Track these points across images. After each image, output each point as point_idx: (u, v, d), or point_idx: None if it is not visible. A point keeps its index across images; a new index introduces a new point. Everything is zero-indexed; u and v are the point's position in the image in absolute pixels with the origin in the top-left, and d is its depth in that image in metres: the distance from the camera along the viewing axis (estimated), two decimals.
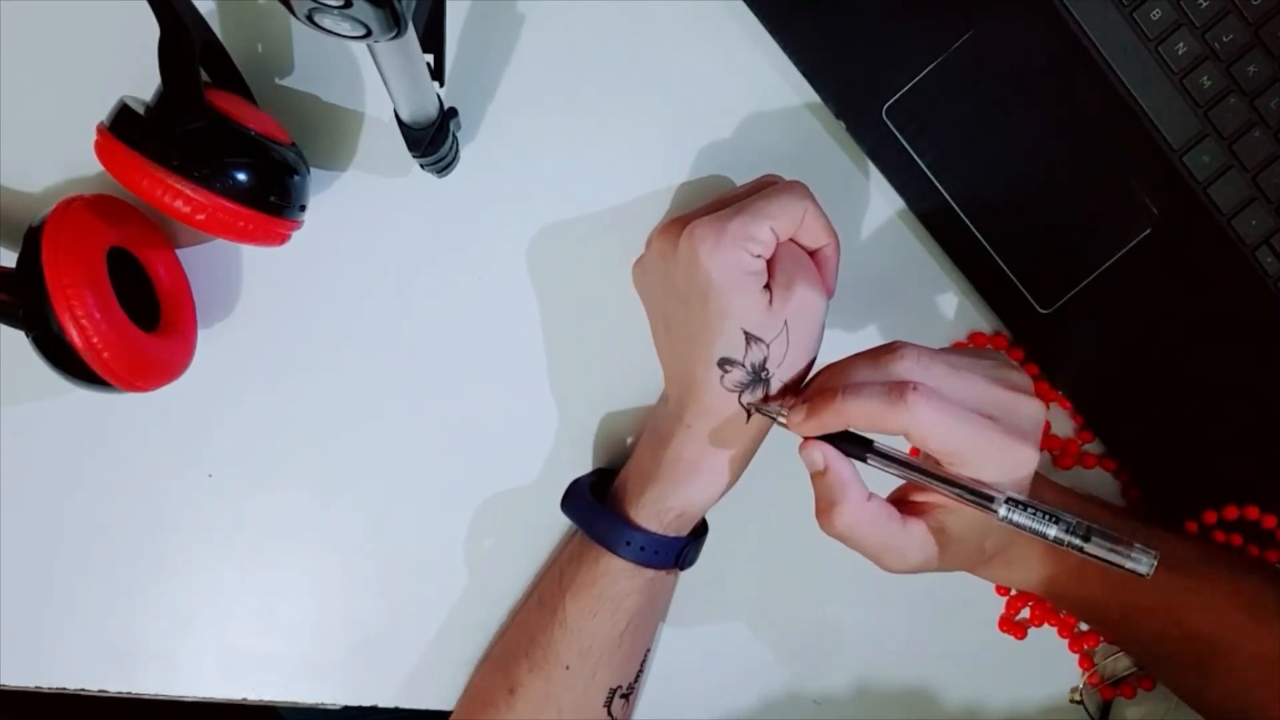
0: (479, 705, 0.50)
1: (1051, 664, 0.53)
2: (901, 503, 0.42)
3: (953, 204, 0.48)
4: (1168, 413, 0.49)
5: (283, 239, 0.46)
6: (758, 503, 0.49)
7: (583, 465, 0.51)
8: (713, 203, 0.45)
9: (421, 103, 0.40)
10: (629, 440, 0.51)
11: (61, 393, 0.46)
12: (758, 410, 0.43)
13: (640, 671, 0.50)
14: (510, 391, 0.51)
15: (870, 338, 0.51)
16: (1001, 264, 0.48)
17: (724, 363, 0.42)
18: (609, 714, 0.48)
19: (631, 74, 0.48)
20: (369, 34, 0.31)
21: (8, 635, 0.51)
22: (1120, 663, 0.51)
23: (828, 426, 0.40)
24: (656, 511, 0.45)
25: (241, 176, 0.42)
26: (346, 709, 0.53)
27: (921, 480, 0.40)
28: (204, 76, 0.44)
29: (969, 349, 0.50)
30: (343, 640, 0.52)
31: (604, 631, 0.46)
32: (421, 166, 0.45)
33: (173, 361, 0.46)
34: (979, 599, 0.52)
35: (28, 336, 0.43)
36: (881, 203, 0.50)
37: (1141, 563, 0.37)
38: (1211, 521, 0.49)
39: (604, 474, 0.50)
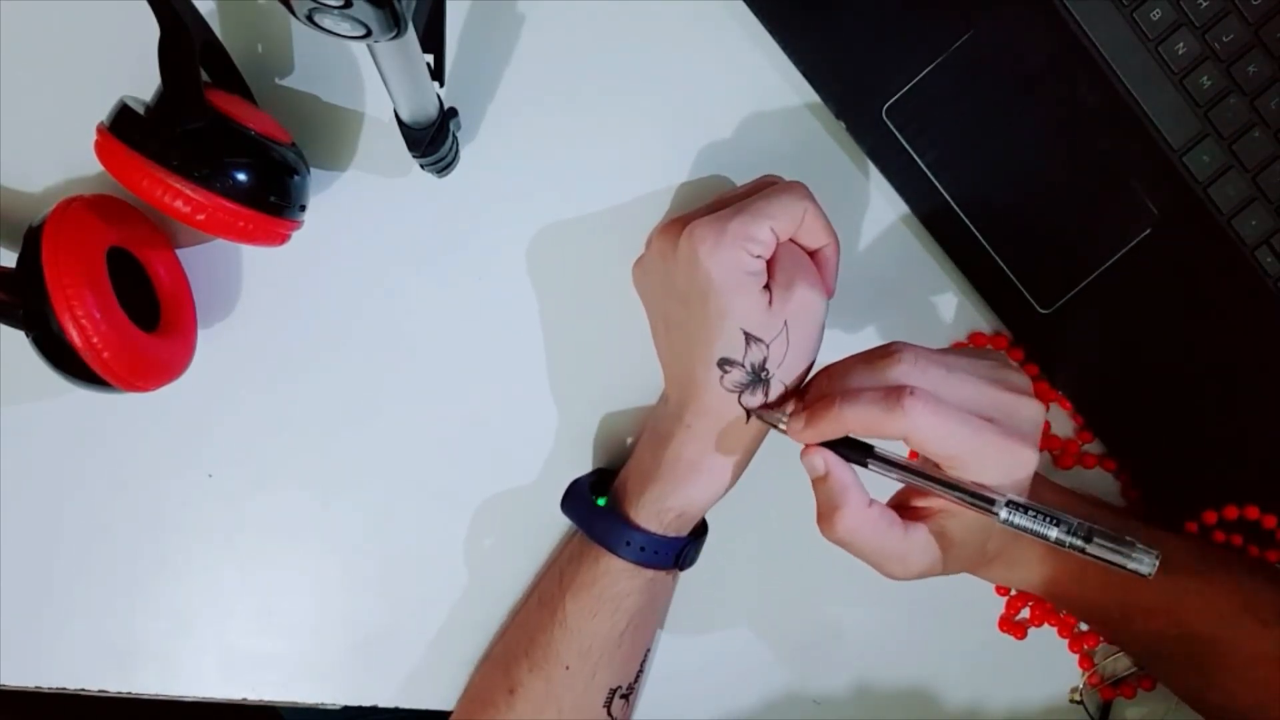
0: (479, 705, 0.50)
1: (1051, 664, 0.53)
2: (902, 508, 0.42)
3: (952, 204, 0.48)
4: (1168, 413, 0.49)
5: (283, 239, 0.46)
6: (758, 503, 0.49)
7: (583, 465, 0.51)
8: (713, 203, 0.45)
9: (421, 103, 0.40)
10: (629, 440, 0.51)
11: (61, 393, 0.46)
12: (759, 417, 0.43)
13: (640, 671, 0.50)
14: (510, 391, 0.51)
15: (870, 338, 0.51)
16: (1001, 264, 0.48)
17: (724, 363, 0.42)
18: (609, 714, 0.48)
19: (631, 74, 0.48)
20: (369, 34, 0.31)
21: (8, 635, 0.51)
22: (1120, 663, 0.51)
23: (826, 434, 0.40)
24: (656, 512, 0.45)
25: (241, 176, 0.42)
26: (346, 709, 0.53)
27: (922, 484, 0.40)
28: (204, 76, 0.44)
29: (968, 349, 0.50)
30: (343, 640, 0.52)
31: (604, 631, 0.46)
32: (421, 166, 0.45)
33: (173, 361, 0.46)
34: (979, 599, 0.52)
35: (28, 336, 0.43)
36: (881, 203, 0.50)
37: (1144, 563, 0.37)
38: (1211, 521, 0.49)
39: (604, 474, 0.49)
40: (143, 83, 0.43)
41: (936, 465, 0.40)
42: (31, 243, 0.42)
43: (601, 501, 0.47)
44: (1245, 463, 0.49)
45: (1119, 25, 0.46)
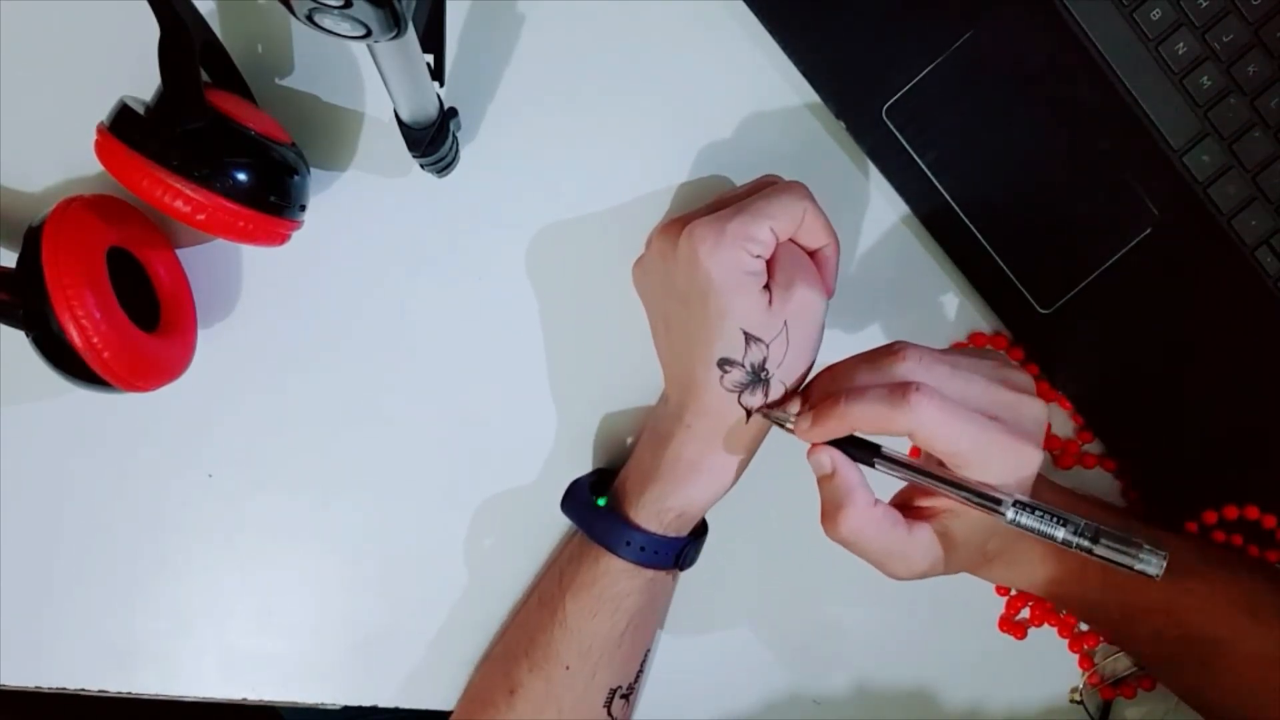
0: (479, 705, 0.50)
1: (1051, 664, 0.53)
2: (905, 508, 0.42)
3: (953, 204, 0.48)
4: (1168, 413, 0.49)
5: (283, 239, 0.46)
6: (758, 503, 0.49)
7: (583, 465, 0.51)
8: (713, 203, 0.45)
9: (421, 103, 0.40)
10: (629, 440, 0.51)
11: (61, 393, 0.46)
12: (765, 416, 0.43)
13: (640, 671, 0.50)
14: (510, 391, 0.51)
15: (870, 338, 0.51)
16: (1001, 264, 0.48)
17: (723, 363, 0.42)
18: (609, 714, 0.48)
19: (631, 74, 0.48)
20: (369, 34, 0.31)
21: (8, 635, 0.51)
22: (1120, 663, 0.51)
23: (833, 432, 0.40)
24: (656, 512, 0.45)
25: (241, 176, 0.42)
26: (346, 709, 0.53)
27: (929, 483, 0.40)
28: (204, 76, 0.44)
29: (969, 349, 0.50)
30: (343, 640, 0.52)
31: (604, 631, 0.46)
32: (421, 166, 0.45)
33: (173, 361, 0.46)
34: (979, 599, 0.52)
35: (28, 336, 0.43)
36: (881, 203, 0.50)
37: (1151, 564, 0.37)
38: (1211, 521, 0.49)
39: (604, 474, 0.49)
40: (143, 83, 0.43)
41: (940, 464, 0.40)
42: (31, 243, 0.42)
43: (601, 501, 0.47)
44: (1245, 463, 0.49)
45: (1119, 25, 0.46)
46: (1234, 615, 0.45)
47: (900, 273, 0.50)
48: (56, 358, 0.42)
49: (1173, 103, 0.46)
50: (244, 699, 0.53)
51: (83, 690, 0.52)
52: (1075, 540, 0.37)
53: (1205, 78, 0.46)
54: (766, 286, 0.42)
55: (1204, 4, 0.45)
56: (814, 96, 0.48)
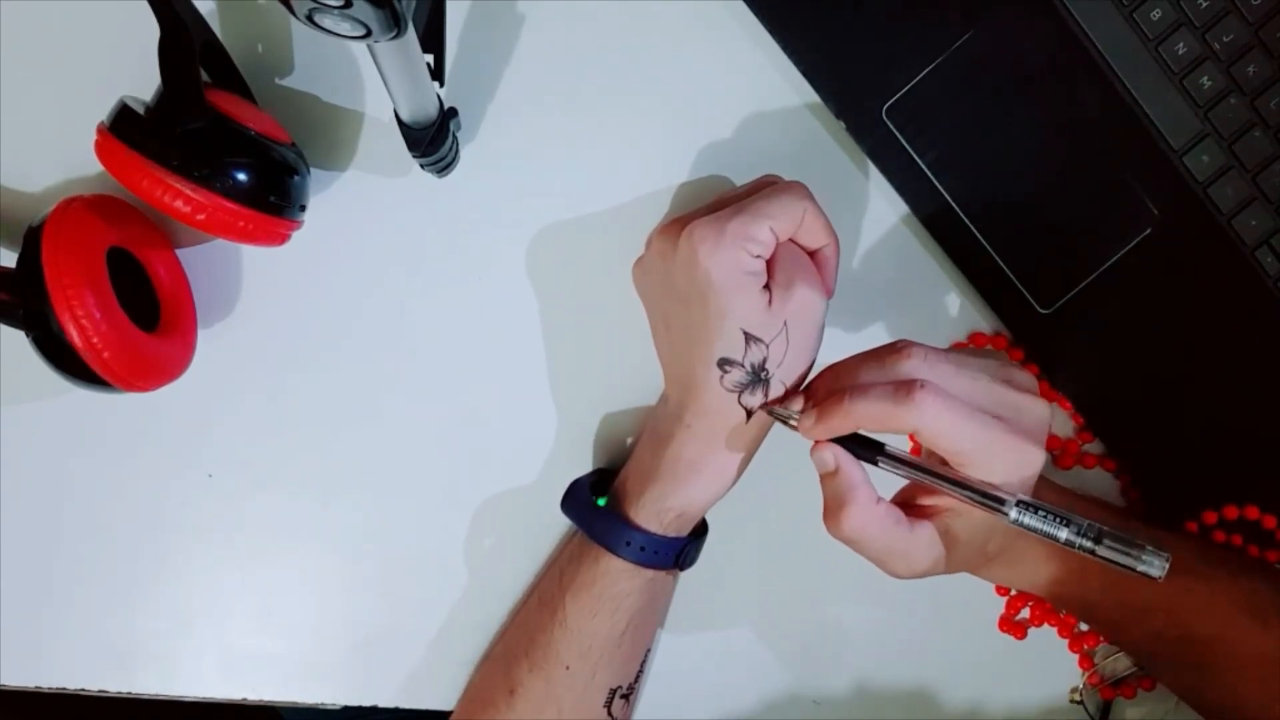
0: (479, 705, 0.50)
1: (1051, 664, 0.53)
2: (907, 506, 0.42)
3: (953, 204, 0.48)
4: (1168, 413, 0.49)
5: (283, 239, 0.46)
6: (758, 503, 0.49)
7: (583, 465, 0.51)
8: (713, 203, 0.45)
9: (421, 103, 0.40)
10: (629, 440, 0.51)
11: (61, 393, 0.46)
12: (769, 414, 0.43)
13: (640, 672, 0.50)
14: (510, 391, 0.51)
15: (870, 338, 0.51)
16: (1001, 264, 0.48)
17: (723, 363, 0.42)
18: (609, 714, 0.48)
19: (631, 74, 0.48)
20: (369, 34, 0.31)
21: (8, 635, 0.51)
22: (1120, 663, 0.51)
23: (837, 429, 0.40)
24: (656, 512, 0.45)
25: (241, 176, 0.42)
26: (346, 709, 0.53)
27: (932, 482, 0.40)
28: (204, 76, 0.44)
29: (970, 349, 0.50)
30: (343, 640, 0.52)
31: (604, 631, 0.46)
32: (421, 166, 0.45)
33: (173, 361, 0.46)
34: (979, 599, 0.52)
35: (28, 336, 0.43)
36: (881, 203, 0.50)
37: (1154, 565, 0.37)
38: (1211, 521, 0.49)
39: (604, 474, 0.49)
40: (143, 83, 0.43)
41: (943, 462, 0.40)
42: (31, 243, 0.42)
43: (601, 501, 0.47)
44: (1245, 463, 0.49)
45: (1119, 25, 0.46)
46: (1234, 615, 0.45)
47: (900, 273, 0.50)
48: (56, 358, 0.42)
49: (1173, 103, 0.46)
50: (244, 699, 0.53)
51: (83, 690, 0.52)
52: (1078, 541, 0.37)
53: (1205, 78, 0.46)
54: (766, 286, 0.42)
55: (1204, 4, 0.45)
56: (814, 96, 0.48)
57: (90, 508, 0.51)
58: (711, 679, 0.53)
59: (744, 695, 0.53)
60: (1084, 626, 0.52)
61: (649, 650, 0.50)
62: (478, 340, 0.50)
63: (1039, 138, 0.48)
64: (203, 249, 0.49)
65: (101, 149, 0.42)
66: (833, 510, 0.40)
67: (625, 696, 0.48)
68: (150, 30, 0.42)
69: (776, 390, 0.43)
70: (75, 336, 0.41)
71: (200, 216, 0.42)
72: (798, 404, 0.42)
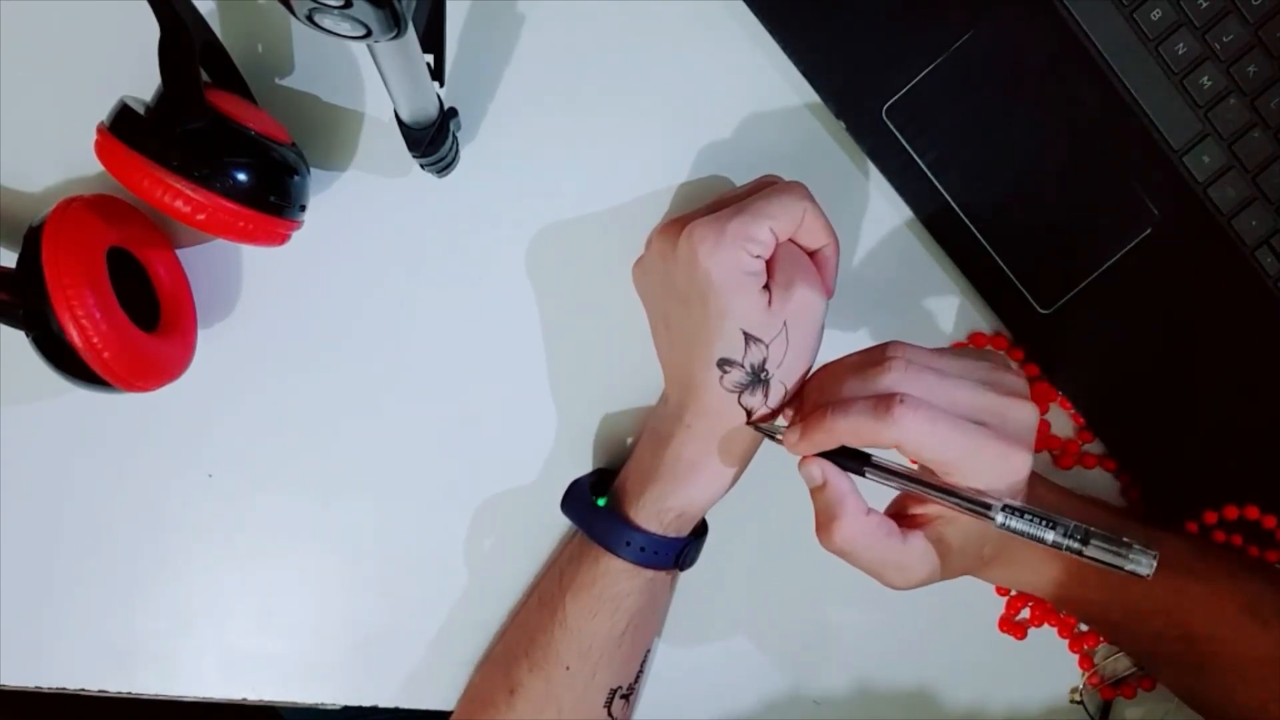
0: (479, 705, 0.50)
1: (1051, 664, 0.53)
2: (899, 517, 0.42)
3: (953, 204, 0.48)
4: (1168, 413, 0.49)
5: (283, 239, 0.46)
6: (758, 503, 0.49)
7: (583, 465, 0.51)
8: (713, 203, 0.45)
9: (421, 103, 0.40)
10: (629, 440, 0.51)
11: (61, 393, 0.46)
12: (756, 429, 0.43)
13: (640, 672, 0.50)
14: (510, 392, 0.51)
15: (870, 338, 0.51)
16: (1001, 264, 0.48)
17: (723, 363, 0.42)
18: (609, 714, 0.48)
19: (631, 74, 0.48)
20: (369, 34, 0.31)
21: (8, 635, 0.51)
22: (1120, 663, 0.51)
23: (820, 445, 0.40)
24: (656, 512, 0.45)
25: (241, 176, 0.42)
26: (346, 709, 0.53)
27: (919, 491, 0.40)
28: (204, 76, 0.44)
29: (964, 350, 0.50)
30: (343, 640, 0.52)
31: (604, 631, 0.46)
32: (421, 166, 0.45)
33: (173, 361, 0.46)
34: (979, 599, 0.52)
35: (28, 336, 0.43)
36: (881, 203, 0.50)
37: (1141, 564, 0.37)
38: (1211, 521, 0.49)
39: (604, 474, 0.49)
40: (143, 83, 0.43)
41: (932, 471, 0.40)
42: (31, 243, 0.42)
43: (601, 502, 0.47)
44: (1245, 463, 0.49)
45: (1119, 25, 0.46)
46: (1234, 615, 0.45)
47: (900, 273, 0.50)
48: (56, 358, 0.42)
49: (1173, 103, 0.46)
50: (244, 699, 0.53)
51: (83, 690, 0.52)
52: (1065, 542, 0.38)
53: (1205, 78, 0.46)
54: (766, 287, 0.42)
55: (1204, 4, 0.45)
56: (814, 96, 0.48)
57: (90, 508, 0.51)
58: (711, 679, 0.53)
59: (744, 695, 0.53)
60: (1084, 626, 0.52)
61: (649, 650, 0.50)
62: (478, 340, 0.50)
63: (1039, 138, 0.48)
64: (203, 249, 0.49)
65: (101, 149, 0.42)
66: (823, 524, 0.40)
67: (625, 696, 0.48)
68: (150, 30, 0.42)
69: (776, 390, 0.43)
70: (75, 336, 0.41)
71: (200, 216, 0.42)
72: (785, 418, 0.42)
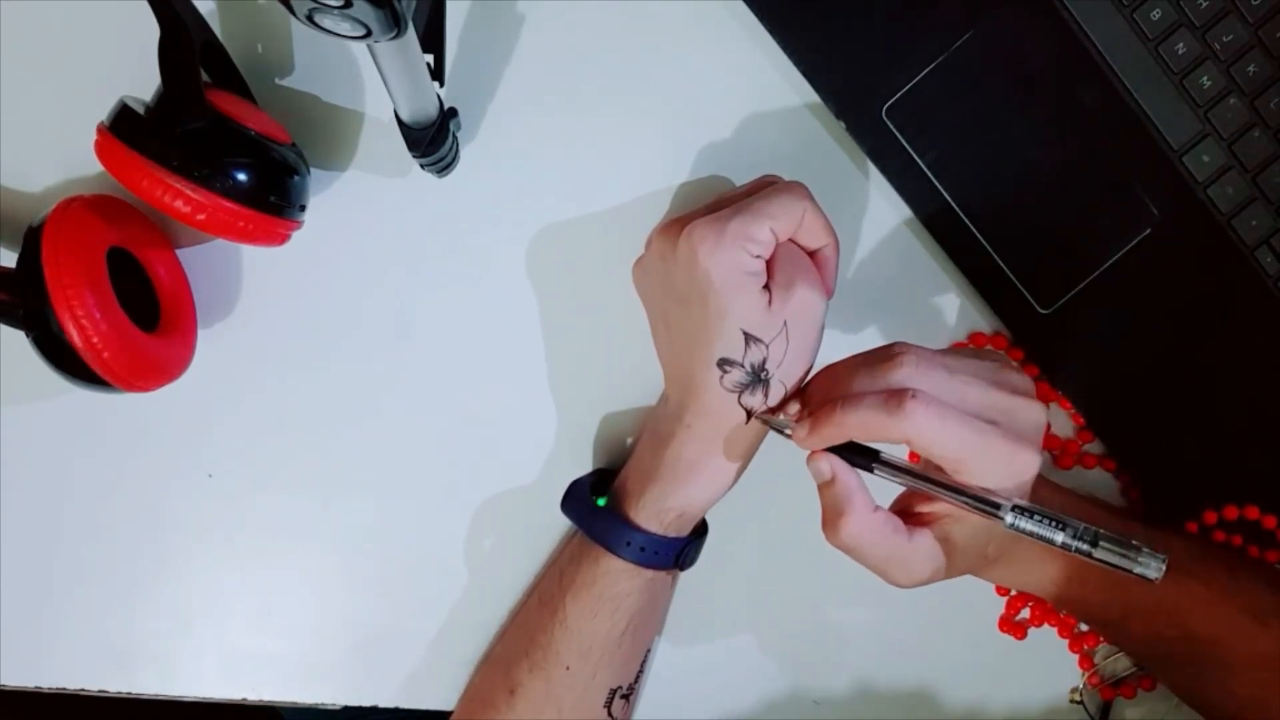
0: (479, 705, 0.50)
1: (1051, 664, 0.53)
2: (904, 514, 0.42)
3: (953, 204, 0.48)
4: (1168, 413, 0.49)
5: (283, 239, 0.46)
6: (758, 503, 0.49)
7: (583, 465, 0.51)
8: (713, 203, 0.45)
9: (421, 103, 0.40)
10: (629, 440, 0.51)
11: (61, 393, 0.46)
12: (764, 422, 0.43)
13: (640, 672, 0.50)
14: (510, 392, 0.51)
15: (870, 338, 0.51)
16: (1001, 264, 0.48)
17: (723, 363, 0.42)
18: (609, 714, 0.48)
19: (631, 74, 0.48)
20: (369, 34, 0.31)
21: (8, 635, 0.51)
22: (1120, 663, 0.51)
23: (830, 439, 0.40)
24: (657, 512, 0.45)
25: (241, 176, 0.42)
26: (346, 709, 0.53)
27: (928, 489, 0.40)
28: (204, 76, 0.44)
29: (969, 350, 0.50)
30: (343, 640, 0.52)
31: (604, 632, 0.46)
32: (421, 166, 0.45)
33: (173, 361, 0.46)
34: (979, 599, 0.52)
35: (28, 336, 0.43)
36: (881, 203, 0.50)
37: (1150, 568, 0.37)
38: (1211, 521, 0.49)
39: (604, 474, 0.49)
40: (143, 83, 0.43)
41: (939, 469, 0.40)
42: (31, 243, 0.42)
43: (601, 502, 0.47)
44: (1245, 463, 0.49)
45: (1119, 25, 0.46)
46: (1234, 615, 0.45)
47: (900, 273, 0.50)
48: (56, 358, 0.42)
49: (1173, 103, 0.46)
50: (244, 699, 0.53)
51: (83, 690, 0.52)
52: (1074, 544, 0.37)
53: (1205, 78, 0.46)
54: (766, 287, 0.42)
55: (1204, 4, 0.45)
56: (814, 96, 0.48)
57: (90, 508, 0.51)
58: (711, 679, 0.53)
59: (744, 695, 0.53)
60: (1084, 626, 0.52)
61: (649, 650, 0.50)
62: (478, 340, 0.50)
63: (1039, 138, 0.48)
64: (203, 249, 0.49)
65: (101, 149, 0.42)
66: (830, 519, 0.40)
67: (625, 696, 0.48)
68: (150, 30, 0.42)
69: (776, 390, 0.43)
70: (75, 336, 0.41)
71: (200, 216, 0.42)
72: (792, 408, 0.42)
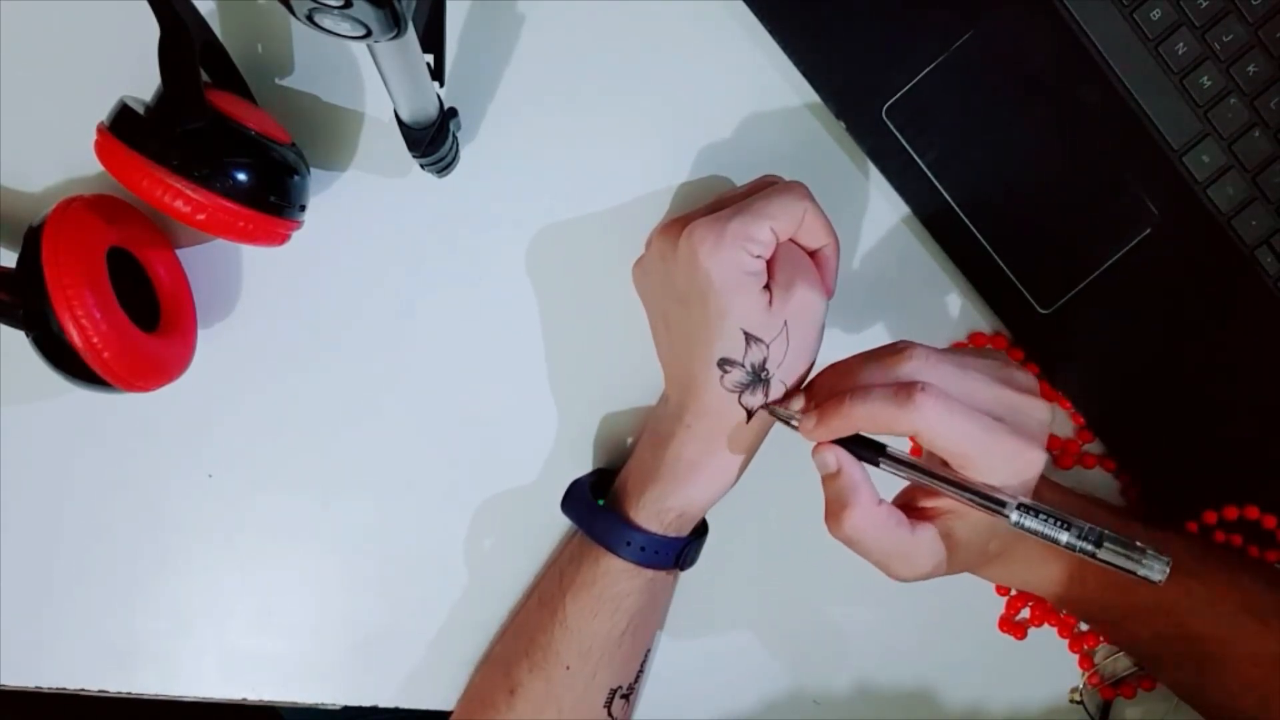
0: (479, 705, 0.50)
1: (1051, 664, 0.53)
2: (907, 509, 0.42)
3: (953, 204, 0.48)
4: (1168, 413, 0.49)
5: (283, 239, 0.46)
6: (758, 503, 0.49)
7: (583, 465, 0.51)
8: (713, 203, 0.45)
9: (421, 103, 0.40)
10: (629, 440, 0.51)
11: (61, 393, 0.46)
12: (771, 414, 0.43)
13: (640, 672, 0.50)
14: (510, 392, 0.51)
15: (870, 338, 0.51)
16: (1001, 264, 0.48)
17: (724, 363, 0.42)
18: (609, 714, 0.48)
19: (631, 74, 0.48)
20: (369, 34, 0.31)
21: (8, 635, 0.51)
22: (1120, 663, 0.51)
23: (838, 431, 0.40)
24: (657, 512, 0.45)
25: (241, 176, 0.42)
26: (346, 709, 0.53)
27: (933, 484, 0.40)
28: (204, 76, 0.44)
29: (971, 349, 0.50)
30: (343, 640, 0.52)
31: (604, 632, 0.46)
32: (421, 166, 0.45)
33: (173, 361, 0.46)
34: (979, 599, 0.52)
35: (28, 336, 0.43)
36: (881, 203, 0.50)
37: (1154, 569, 0.37)
38: (1211, 521, 0.49)
39: (604, 474, 0.50)
40: (143, 83, 0.43)
41: (944, 464, 0.40)
42: (31, 243, 0.42)
43: (601, 502, 0.47)
44: (1245, 463, 0.49)
45: (1119, 25, 0.46)
46: (1234, 615, 0.45)
47: (900, 273, 0.50)
48: (56, 358, 0.42)
49: (1173, 103, 0.46)
50: (244, 699, 0.53)
51: (83, 690, 0.52)
52: (1079, 544, 0.37)
53: (1205, 78, 0.46)
54: (766, 286, 0.42)
55: (1204, 4, 0.45)
56: (814, 96, 0.48)
57: (90, 508, 0.51)
58: (711, 679, 0.53)
59: (744, 695, 0.53)
60: (1084, 626, 0.52)
61: (649, 650, 0.50)
62: (478, 340, 0.50)
63: (1039, 137, 0.48)
64: (203, 249, 0.49)
65: (101, 149, 0.42)
66: (834, 511, 0.40)
67: (625, 696, 0.49)
68: (150, 30, 0.42)
69: (777, 390, 0.43)
70: (75, 336, 0.41)
71: (200, 216, 0.42)
72: (799, 403, 0.42)
